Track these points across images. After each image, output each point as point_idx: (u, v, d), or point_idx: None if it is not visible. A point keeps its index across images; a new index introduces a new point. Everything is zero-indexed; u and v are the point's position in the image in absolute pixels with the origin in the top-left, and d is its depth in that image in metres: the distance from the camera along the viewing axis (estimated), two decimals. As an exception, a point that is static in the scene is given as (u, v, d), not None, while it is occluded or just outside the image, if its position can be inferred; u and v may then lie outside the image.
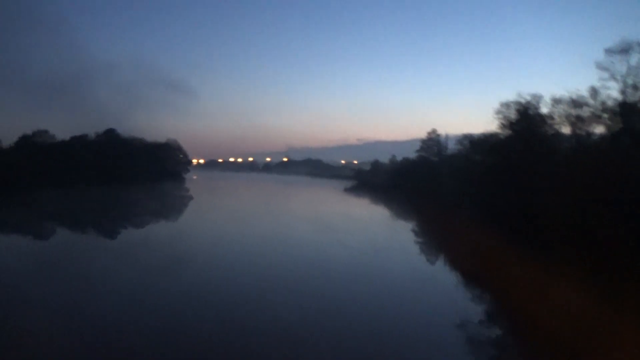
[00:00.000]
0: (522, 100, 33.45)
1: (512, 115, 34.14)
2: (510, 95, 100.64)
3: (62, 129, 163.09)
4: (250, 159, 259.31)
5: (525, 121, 33.28)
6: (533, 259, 22.92)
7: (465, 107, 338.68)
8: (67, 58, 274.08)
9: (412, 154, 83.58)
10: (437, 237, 38.08)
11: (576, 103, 31.59)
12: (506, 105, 34.37)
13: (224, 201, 74.40)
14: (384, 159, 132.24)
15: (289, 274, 23.84)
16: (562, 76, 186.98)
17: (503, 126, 35.41)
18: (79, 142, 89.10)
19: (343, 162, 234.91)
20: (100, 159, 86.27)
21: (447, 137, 74.11)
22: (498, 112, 34.86)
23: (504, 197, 31.77)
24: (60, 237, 36.34)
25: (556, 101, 32.62)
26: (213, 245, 32.15)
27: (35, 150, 78.01)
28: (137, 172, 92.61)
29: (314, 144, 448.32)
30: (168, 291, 19.79)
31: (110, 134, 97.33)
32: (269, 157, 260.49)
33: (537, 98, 32.85)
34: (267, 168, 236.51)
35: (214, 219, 47.40)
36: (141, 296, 19.01)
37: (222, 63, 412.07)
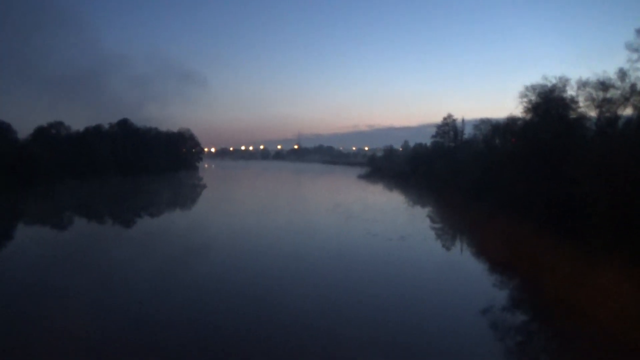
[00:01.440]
0: (548, 84, 32.72)
1: (538, 98, 33.38)
2: (527, 81, 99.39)
3: (76, 121, 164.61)
4: (262, 147, 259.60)
5: (552, 104, 32.57)
6: (570, 247, 22.51)
7: (479, 92, 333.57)
8: (82, 52, 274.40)
9: (423, 140, 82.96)
10: (462, 225, 37.68)
11: (603, 85, 30.88)
12: (532, 88, 33.58)
13: (242, 191, 74.50)
14: (396, 145, 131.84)
15: (319, 263, 23.73)
16: (588, 60, 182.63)
17: (528, 110, 34.68)
18: (93, 133, 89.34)
19: (354, 148, 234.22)
20: (115, 149, 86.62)
21: (463, 122, 73.24)
22: (523, 95, 34.07)
23: (531, 182, 31.20)
24: (88, 228, 36.59)
25: (583, 84, 31.88)
26: (242, 236, 32.06)
27: (51, 142, 78.43)
28: (151, 162, 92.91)
29: (325, 131, 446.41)
30: (203, 275, 19.81)
31: (124, 124, 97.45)
32: (279, 145, 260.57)
33: (564, 81, 32.09)
34: (279, 156, 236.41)
35: (236, 210, 47.36)
36: (174, 279, 19.04)
37: (233, 53, 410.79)
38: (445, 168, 63.88)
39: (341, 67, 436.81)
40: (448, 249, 30.50)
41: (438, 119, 75.56)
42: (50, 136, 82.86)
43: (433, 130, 77.37)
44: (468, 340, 14.44)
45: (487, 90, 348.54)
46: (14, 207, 47.09)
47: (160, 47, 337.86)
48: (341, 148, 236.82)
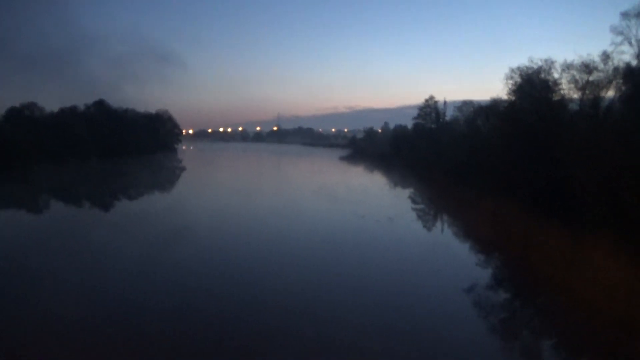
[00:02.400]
0: (534, 66, 33.00)
1: (523, 80, 33.69)
2: (511, 63, 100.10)
3: (50, 102, 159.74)
4: (240, 128, 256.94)
5: (537, 86, 32.92)
6: (555, 227, 22.98)
7: (460, 75, 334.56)
8: (56, 30, 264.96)
9: (403, 121, 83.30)
10: (449, 206, 38.14)
11: (587, 68, 31.32)
12: (517, 70, 33.87)
13: (224, 173, 73.93)
14: (376, 126, 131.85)
15: (307, 246, 23.75)
16: (573, 43, 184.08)
17: (513, 92, 35.03)
18: (69, 114, 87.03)
19: (333, 130, 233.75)
20: (92, 131, 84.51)
21: (445, 103, 73.64)
22: (508, 77, 34.37)
23: (516, 164, 31.67)
24: (73, 213, 35.87)
25: (567, 66, 32.27)
26: (227, 219, 31.80)
27: (25, 124, 76.10)
28: (129, 144, 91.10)
29: (304, 112, 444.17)
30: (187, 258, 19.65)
31: (101, 105, 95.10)
32: (258, 126, 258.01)
33: (549, 63, 32.41)
34: (258, 138, 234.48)
35: (220, 193, 47.02)
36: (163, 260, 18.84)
37: (212, 34, 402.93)
38: (428, 150, 64.40)
39: (321, 48, 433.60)
40: (437, 229, 30.94)
41: (418, 100, 76.04)
42: (23, 117, 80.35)
43: (413, 112, 77.79)
44: (460, 318, 14.72)
45: (468, 73, 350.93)
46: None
47: (138, 27, 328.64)
48: (320, 130, 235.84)
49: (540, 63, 32.77)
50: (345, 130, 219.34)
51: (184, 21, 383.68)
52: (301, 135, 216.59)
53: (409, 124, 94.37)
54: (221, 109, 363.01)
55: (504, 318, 15.64)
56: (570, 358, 13.20)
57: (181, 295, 16.02)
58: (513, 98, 35.71)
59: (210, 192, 47.59)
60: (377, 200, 40.17)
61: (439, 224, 32.71)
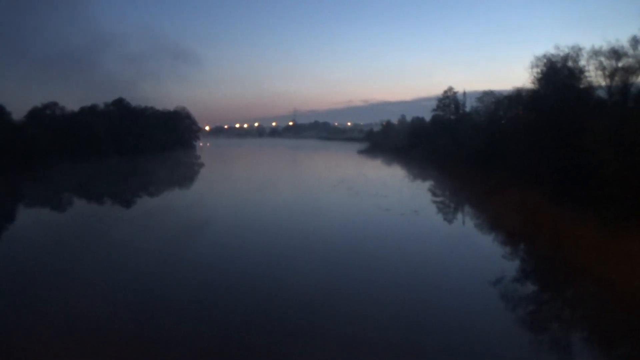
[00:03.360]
0: (561, 53, 32.24)
1: (549, 68, 32.94)
2: (529, 52, 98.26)
3: (70, 101, 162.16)
4: (256, 124, 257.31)
5: (563, 74, 32.17)
6: (585, 216, 22.46)
7: (476, 66, 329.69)
8: (74, 30, 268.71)
9: (419, 114, 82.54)
10: (474, 197, 37.40)
11: (616, 54, 30.52)
12: (543, 58, 33.14)
13: (244, 168, 74.04)
14: (392, 119, 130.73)
15: (334, 241, 23.49)
16: (597, 29, 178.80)
17: (538, 80, 34.30)
18: (89, 113, 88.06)
19: (349, 124, 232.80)
20: (112, 129, 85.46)
21: (465, 94, 72.68)
22: (534, 65, 33.66)
23: (541, 152, 31.02)
24: (99, 210, 36.28)
25: (595, 53, 31.47)
26: (251, 214, 31.73)
27: (47, 123, 77.22)
28: (149, 142, 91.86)
29: (319, 107, 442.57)
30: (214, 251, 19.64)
31: (120, 103, 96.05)
32: (274, 121, 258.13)
33: (577, 50, 31.63)
34: (275, 133, 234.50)
35: (242, 188, 46.98)
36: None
37: (226, 31, 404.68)
38: (447, 141, 63.64)
39: (335, 42, 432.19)
40: (464, 220, 30.34)
41: (434, 92, 75.34)
42: (45, 117, 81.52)
43: (429, 104, 77.11)
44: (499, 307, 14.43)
45: (485, 63, 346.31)
46: (16, 190, 46.55)
47: (154, 26, 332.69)
48: (336, 124, 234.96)
49: (567, 50, 32.03)
50: (362, 123, 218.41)
51: (199, 18, 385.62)
52: (317, 130, 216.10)
53: (426, 116, 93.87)
54: (237, 105, 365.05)
55: (534, 310, 15.29)
56: (605, 352, 12.68)
57: (220, 283, 16.10)
58: (537, 86, 35.00)
59: (234, 187, 47.67)
60: (400, 193, 39.76)
61: (465, 215, 32.14)
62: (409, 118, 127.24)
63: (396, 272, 18.04)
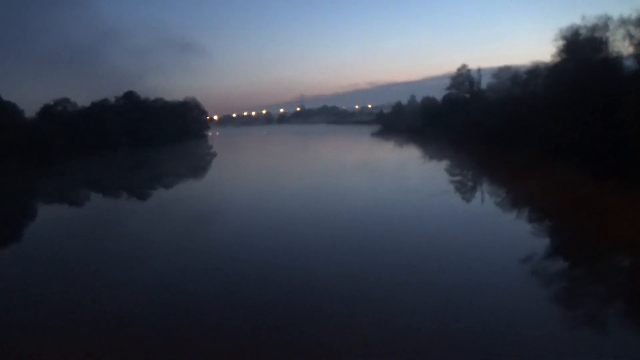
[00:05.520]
0: (587, 24, 31.31)
1: (575, 39, 32.05)
2: (535, 27, 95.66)
3: (79, 96, 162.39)
4: (264, 111, 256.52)
5: (590, 45, 31.28)
6: (620, 190, 21.88)
7: (484, 42, 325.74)
8: (80, 26, 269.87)
9: (428, 93, 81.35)
10: (502, 176, 36.41)
11: (644, 22, 29.54)
12: (570, 29, 32.21)
13: (261, 156, 73.65)
14: (400, 100, 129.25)
15: (370, 224, 23.11)
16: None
17: (563, 52, 33.41)
18: (100, 107, 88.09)
19: (357, 107, 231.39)
20: (124, 122, 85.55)
21: (479, 71, 71.55)
22: (561, 38, 32.71)
23: (568, 126, 30.30)
24: (124, 203, 36.31)
25: (623, 22, 30.49)
26: (279, 200, 31.02)
27: (59, 119, 77.45)
28: (160, 133, 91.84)
29: (326, 91, 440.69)
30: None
31: (130, 96, 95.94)
32: (282, 108, 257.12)
33: (605, 19, 30.64)
34: (283, 119, 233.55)
35: (265, 174, 46.55)
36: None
37: (230, 20, 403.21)
38: (462, 119, 62.76)
39: (339, 25, 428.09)
40: (501, 199, 29.40)
41: (439, 72, 73.96)
42: (57, 113, 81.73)
43: (437, 84, 76.28)
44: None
45: (491, 42, 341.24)
46: (36, 187, 46.68)
47: (160, 18, 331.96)
48: (344, 107, 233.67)
49: (593, 20, 31.08)
50: (369, 106, 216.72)
51: (204, 8, 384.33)
52: (325, 114, 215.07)
53: (436, 96, 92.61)
54: (244, 93, 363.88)
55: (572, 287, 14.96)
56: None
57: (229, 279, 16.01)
58: (562, 58, 34.12)
59: (254, 173, 47.45)
60: (424, 174, 39.25)
61: (500, 194, 31.17)
62: (417, 98, 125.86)
63: (445, 255, 17.57)
